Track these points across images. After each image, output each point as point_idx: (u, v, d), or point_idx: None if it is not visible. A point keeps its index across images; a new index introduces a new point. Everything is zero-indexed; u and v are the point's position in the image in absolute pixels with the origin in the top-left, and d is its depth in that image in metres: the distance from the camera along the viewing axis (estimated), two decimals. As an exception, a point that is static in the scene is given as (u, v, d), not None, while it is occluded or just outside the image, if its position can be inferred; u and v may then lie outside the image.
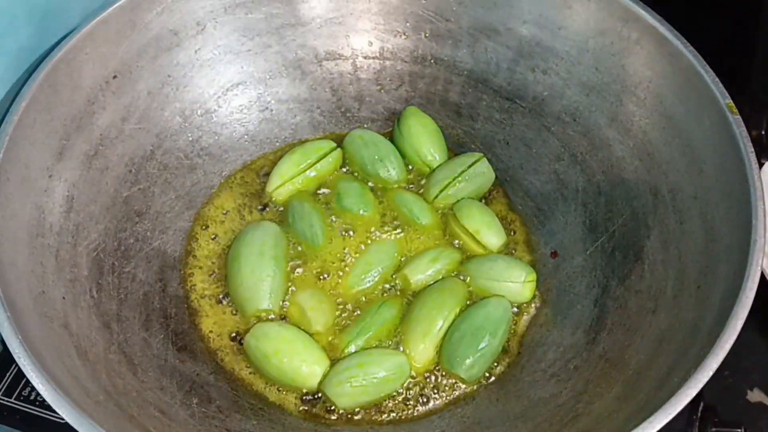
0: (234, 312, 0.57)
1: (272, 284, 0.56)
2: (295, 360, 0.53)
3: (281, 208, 0.61)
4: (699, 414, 0.55)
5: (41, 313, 0.47)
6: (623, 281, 0.55)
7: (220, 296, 0.57)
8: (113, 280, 0.55)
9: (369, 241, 0.60)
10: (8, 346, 0.43)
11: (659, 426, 0.41)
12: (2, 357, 0.55)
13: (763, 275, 0.47)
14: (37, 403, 0.56)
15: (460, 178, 0.61)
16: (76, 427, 0.41)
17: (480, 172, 0.61)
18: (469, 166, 0.61)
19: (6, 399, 0.56)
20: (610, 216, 0.57)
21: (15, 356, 0.42)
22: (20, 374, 0.55)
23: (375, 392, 0.53)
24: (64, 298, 0.50)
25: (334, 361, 0.54)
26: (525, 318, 0.57)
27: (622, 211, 0.57)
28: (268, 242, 0.57)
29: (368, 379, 0.53)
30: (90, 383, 0.46)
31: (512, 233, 0.61)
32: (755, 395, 0.58)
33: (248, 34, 0.62)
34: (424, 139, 0.63)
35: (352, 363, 0.53)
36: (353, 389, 0.52)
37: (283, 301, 0.57)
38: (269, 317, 0.56)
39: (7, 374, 0.57)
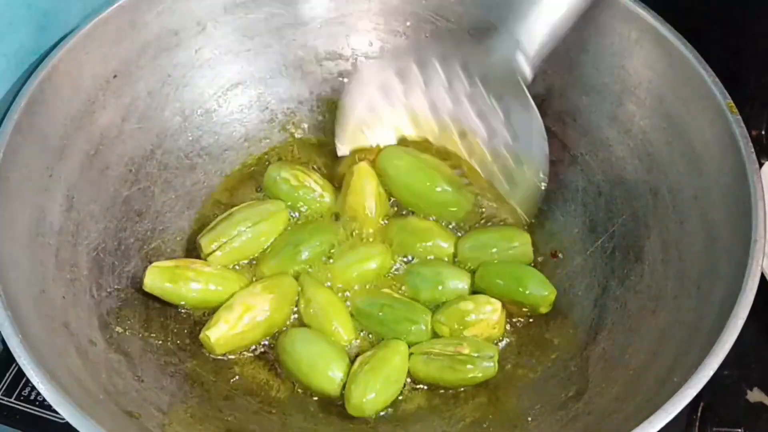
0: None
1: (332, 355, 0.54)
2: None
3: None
4: (699, 414, 0.55)
5: (41, 312, 0.47)
6: (623, 281, 0.55)
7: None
8: (113, 280, 0.55)
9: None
10: (8, 345, 0.43)
11: (659, 426, 0.41)
12: (2, 357, 0.55)
13: (763, 275, 0.47)
14: (37, 403, 0.56)
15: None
16: (76, 426, 0.41)
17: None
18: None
19: (6, 399, 0.56)
20: (610, 216, 0.57)
21: (15, 356, 0.42)
22: (20, 374, 0.55)
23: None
24: (64, 297, 0.50)
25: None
26: (524, 318, 0.57)
27: (622, 211, 0.57)
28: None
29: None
30: (90, 383, 0.46)
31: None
32: (755, 395, 0.58)
33: (248, 34, 0.62)
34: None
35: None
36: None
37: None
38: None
39: (7, 374, 0.57)
